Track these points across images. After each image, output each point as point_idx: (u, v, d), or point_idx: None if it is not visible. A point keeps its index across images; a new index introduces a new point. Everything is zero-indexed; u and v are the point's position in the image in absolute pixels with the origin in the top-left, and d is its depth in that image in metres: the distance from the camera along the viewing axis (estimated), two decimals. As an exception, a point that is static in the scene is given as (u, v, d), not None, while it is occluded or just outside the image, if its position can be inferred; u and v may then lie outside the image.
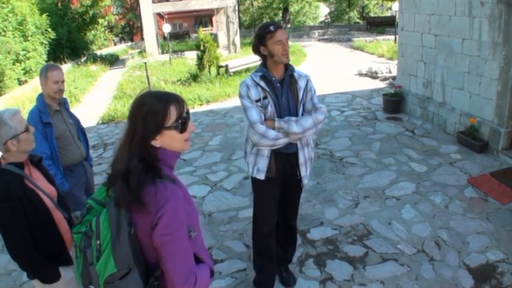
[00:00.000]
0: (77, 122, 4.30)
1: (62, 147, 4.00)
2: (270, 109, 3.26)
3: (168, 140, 1.85)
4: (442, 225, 4.70)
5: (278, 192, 3.57)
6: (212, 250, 4.55)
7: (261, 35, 3.21)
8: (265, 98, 3.26)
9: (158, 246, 1.76)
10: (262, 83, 3.26)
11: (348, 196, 5.52)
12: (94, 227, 1.78)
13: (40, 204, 2.55)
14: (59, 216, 2.71)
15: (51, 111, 3.93)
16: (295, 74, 3.36)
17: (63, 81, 3.94)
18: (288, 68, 3.33)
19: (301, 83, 3.35)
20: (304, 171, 3.49)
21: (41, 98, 3.93)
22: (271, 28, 3.17)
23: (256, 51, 3.31)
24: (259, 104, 3.25)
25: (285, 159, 3.42)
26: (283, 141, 3.24)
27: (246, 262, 4.35)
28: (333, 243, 4.56)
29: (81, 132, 4.34)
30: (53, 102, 3.95)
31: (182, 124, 1.88)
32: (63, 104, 4.14)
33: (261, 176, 3.39)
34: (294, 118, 3.24)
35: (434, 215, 4.92)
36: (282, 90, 3.29)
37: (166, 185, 1.78)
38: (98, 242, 1.74)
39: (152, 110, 1.79)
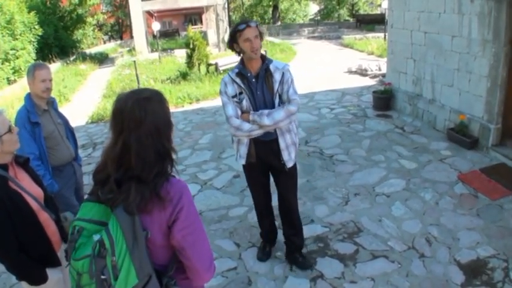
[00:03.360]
0: (65, 121, 4.27)
1: (51, 147, 3.96)
2: (245, 103, 3.55)
3: None
4: (432, 221, 4.71)
5: (264, 177, 4.00)
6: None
7: (232, 33, 3.48)
8: (241, 93, 3.56)
9: (179, 241, 1.78)
10: (238, 80, 3.55)
11: (338, 193, 5.51)
12: (108, 244, 1.64)
13: (24, 206, 2.49)
14: (45, 217, 2.66)
15: (40, 111, 3.89)
16: (272, 67, 3.56)
17: (50, 80, 3.90)
18: (264, 62, 3.56)
19: (277, 76, 3.55)
20: (287, 155, 3.71)
21: (29, 97, 3.88)
22: (240, 27, 3.41)
23: (230, 48, 3.58)
24: (235, 99, 3.56)
25: (266, 146, 3.69)
26: (257, 132, 3.54)
27: (237, 261, 4.34)
28: (323, 240, 4.55)
29: (70, 132, 4.29)
30: (41, 101, 3.91)
31: None
32: (52, 103, 4.10)
33: (242, 162, 3.80)
34: (266, 111, 3.50)
35: (425, 211, 4.92)
36: (257, 84, 3.55)
37: (175, 180, 1.80)
38: (114, 258, 1.64)
39: (166, 103, 1.86)
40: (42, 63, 4.07)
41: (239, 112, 3.56)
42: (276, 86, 3.55)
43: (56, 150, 4.01)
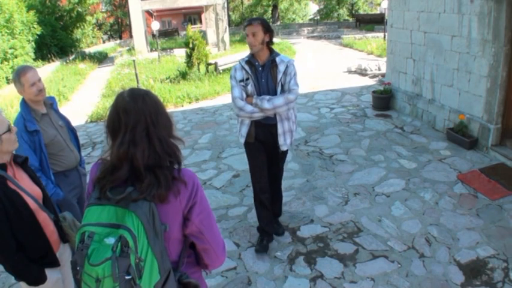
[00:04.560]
0: (67, 123, 3.97)
1: (55, 153, 3.70)
2: (250, 88, 4.03)
3: None
4: (432, 221, 4.71)
5: (264, 156, 4.28)
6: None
7: (244, 27, 4.04)
8: (247, 79, 4.03)
9: (198, 225, 1.85)
10: (246, 67, 4.04)
11: (338, 193, 5.50)
12: (132, 242, 1.59)
13: (23, 206, 2.48)
14: (43, 217, 2.65)
15: (38, 116, 3.61)
16: (278, 59, 4.03)
17: (39, 80, 3.57)
18: (271, 54, 4.05)
19: (281, 68, 4.00)
20: (283, 140, 4.17)
21: (24, 103, 3.59)
22: (245, 23, 4.01)
23: None
24: (242, 83, 4.03)
25: (265, 129, 4.15)
26: (258, 114, 4.01)
27: (236, 261, 4.33)
28: (323, 240, 4.54)
29: (72, 133, 4.00)
30: (37, 105, 3.62)
31: None
32: (51, 104, 3.81)
33: (242, 140, 4.22)
34: (267, 97, 3.97)
35: (424, 211, 4.92)
36: (263, 73, 4.03)
37: (184, 169, 1.87)
38: (137, 255, 1.60)
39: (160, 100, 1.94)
40: (25, 66, 3.66)
41: (244, 95, 4.01)
42: (280, 76, 4.00)
43: (60, 156, 3.77)
